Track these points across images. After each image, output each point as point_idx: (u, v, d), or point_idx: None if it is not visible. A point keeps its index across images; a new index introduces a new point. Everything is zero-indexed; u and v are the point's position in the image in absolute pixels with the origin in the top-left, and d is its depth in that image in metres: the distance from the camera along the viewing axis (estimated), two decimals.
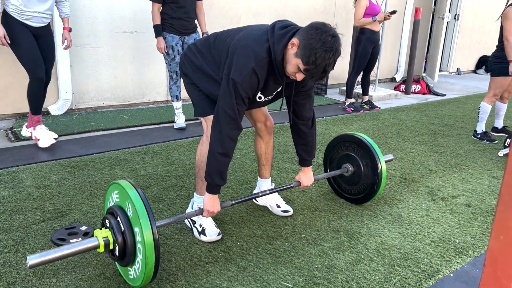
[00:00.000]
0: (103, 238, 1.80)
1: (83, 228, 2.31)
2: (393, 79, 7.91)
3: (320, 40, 1.79)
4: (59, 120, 4.32)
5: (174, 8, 3.96)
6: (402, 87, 6.94)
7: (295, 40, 1.85)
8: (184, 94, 4.58)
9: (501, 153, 3.69)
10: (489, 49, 9.89)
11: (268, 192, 2.36)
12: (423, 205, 2.80)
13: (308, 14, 6.31)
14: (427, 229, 2.49)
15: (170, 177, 3.08)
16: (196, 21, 4.20)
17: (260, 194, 2.34)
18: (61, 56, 4.35)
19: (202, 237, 2.26)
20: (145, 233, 1.71)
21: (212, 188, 2.05)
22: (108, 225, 1.85)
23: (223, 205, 2.15)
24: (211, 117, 2.20)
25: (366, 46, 5.15)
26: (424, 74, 7.79)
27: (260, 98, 2.12)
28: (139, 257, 1.77)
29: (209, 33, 4.29)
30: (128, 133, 4.10)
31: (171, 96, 4.28)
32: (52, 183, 2.86)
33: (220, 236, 2.28)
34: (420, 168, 3.48)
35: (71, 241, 2.17)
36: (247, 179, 3.10)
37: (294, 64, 1.87)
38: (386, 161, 2.72)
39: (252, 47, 1.92)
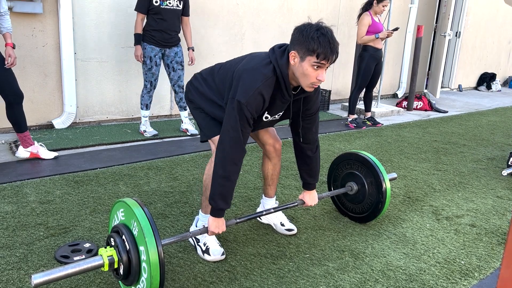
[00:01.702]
0: (108, 256, 1.80)
1: (87, 245, 2.29)
2: (395, 95, 7.94)
3: (309, 29, 1.87)
4: (63, 133, 4.34)
5: (157, 20, 4.11)
6: (404, 103, 6.96)
7: (292, 52, 1.91)
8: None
9: (505, 172, 3.68)
10: (490, 66, 9.96)
11: (272, 210, 2.36)
12: (428, 225, 2.79)
13: None
14: (432, 249, 2.48)
15: (173, 193, 3.08)
16: (181, 35, 4.36)
17: (264, 213, 2.34)
18: (67, 70, 4.38)
19: (206, 256, 2.25)
20: (151, 252, 1.70)
21: (215, 212, 2.04)
22: (113, 243, 1.84)
23: (227, 223, 2.14)
24: (217, 137, 2.22)
25: (369, 63, 5.18)
26: (426, 91, 7.84)
27: (266, 118, 2.13)
28: (144, 276, 1.76)
29: (194, 48, 4.58)
30: (132, 147, 4.11)
31: (141, 104, 4.42)
32: (56, 198, 2.86)
33: (224, 256, 2.26)
34: (423, 186, 3.47)
35: (75, 258, 2.16)
36: (251, 196, 3.09)
37: (308, 67, 1.87)
38: (390, 180, 2.72)
39: (257, 69, 1.96)
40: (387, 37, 5.15)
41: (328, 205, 3.01)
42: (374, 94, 5.71)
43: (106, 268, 1.79)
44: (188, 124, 4.69)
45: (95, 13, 4.50)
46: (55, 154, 3.64)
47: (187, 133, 4.64)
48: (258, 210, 2.74)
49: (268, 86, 1.95)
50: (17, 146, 3.83)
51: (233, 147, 1.96)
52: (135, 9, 4.11)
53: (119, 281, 1.93)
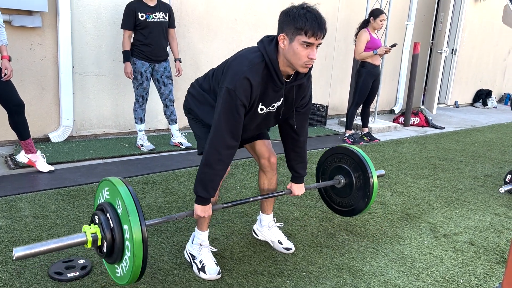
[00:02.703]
0: (91, 234, 1.80)
1: (81, 261, 2.26)
2: (392, 111, 7.98)
3: (295, 9, 1.90)
4: (59, 147, 4.31)
5: (145, 34, 4.15)
6: (401, 119, 6.98)
7: (281, 35, 1.93)
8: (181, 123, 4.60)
9: (502, 189, 3.68)
10: (486, 82, 10.05)
11: (260, 197, 2.38)
12: (426, 242, 2.77)
13: None
14: (430, 267, 2.46)
15: (169, 208, 3.05)
16: (169, 48, 4.43)
17: (251, 200, 2.34)
18: (64, 83, 4.38)
19: (202, 275, 2.21)
20: (134, 231, 1.71)
21: (198, 199, 2.07)
22: (97, 221, 1.84)
23: (214, 207, 2.15)
24: None
25: (367, 79, 5.21)
26: (422, 107, 7.88)
27: (262, 110, 2.10)
28: (127, 254, 1.76)
29: (181, 59, 4.55)
30: (128, 161, 4.09)
31: (135, 119, 4.44)
32: (51, 213, 2.83)
33: (220, 275, 2.23)
34: (421, 203, 3.46)
35: (69, 275, 2.13)
36: (248, 212, 3.07)
37: (298, 46, 1.89)
38: (378, 176, 2.75)
39: (244, 56, 2.00)
40: (385, 53, 5.19)
41: (325, 221, 2.99)
42: (371, 110, 5.74)
43: (89, 245, 1.80)
44: (181, 138, 4.68)
45: (94, 28, 4.52)
46: (50, 168, 3.62)
47: (181, 146, 4.62)
48: (255, 227, 2.71)
49: (255, 72, 1.94)
50: (12, 160, 3.81)
51: (219, 136, 1.96)
52: (122, 27, 4.15)
53: (103, 260, 1.94)
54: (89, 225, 1.85)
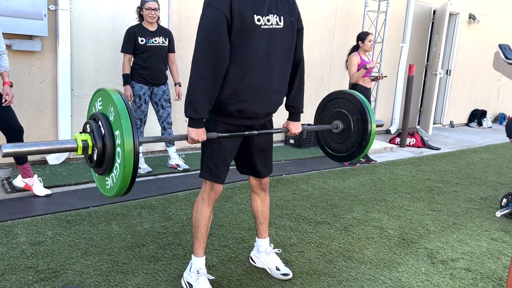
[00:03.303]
0: (82, 140, 1.80)
1: None
2: (388, 132, 8.03)
3: None
4: (56, 170, 4.31)
5: (145, 58, 4.20)
6: (397, 140, 7.03)
7: None
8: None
9: (498, 213, 3.69)
10: (481, 103, 10.15)
11: (256, 132, 2.25)
12: (423, 269, 2.77)
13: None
14: None
15: (166, 233, 3.05)
16: (168, 72, 4.48)
17: (246, 133, 2.22)
18: (63, 106, 4.41)
19: None
20: (126, 136, 1.71)
21: (189, 121, 2.04)
22: (88, 129, 1.84)
23: (208, 135, 2.10)
24: (208, 183, 2.27)
25: None
26: (418, 127, 7.94)
27: (259, 21, 2.01)
28: (117, 162, 1.76)
29: (181, 83, 4.56)
30: None
31: None
32: (47, 239, 2.82)
33: None
34: (418, 227, 3.46)
35: None
36: (245, 237, 3.06)
37: None
38: (377, 126, 2.67)
39: None
40: (379, 78, 5.27)
41: (323, 247, 2.99)
42: None
43: (79, 151, 1.79)
44: (178, 160, 4.69)
45: (93, 51, 4.57)
46: (47, 191, 3.61)
47: (178, 168, 4.63)
48: (252, 254, 2.71)
49: None
50: (9, 183, 3.80)
51: (199, 51, 1.98)
52: (122, 51, 4.21)
53: (92, 169, 1.95)
54: (80, 133, 1.87)
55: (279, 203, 3.75)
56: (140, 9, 4.20)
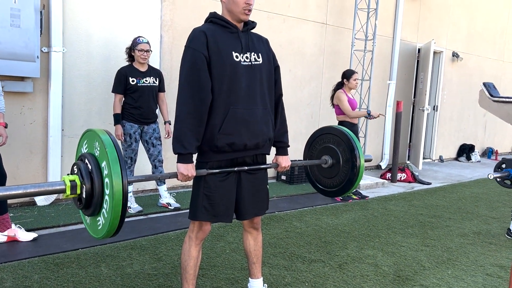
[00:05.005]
0: (70, 181, 1.80)
1: None
2: (378, 167, 8.08)
3: None
4: (44, 211, 4.24)
5: (135, 98, 4.26)
6: (388, 175, 7.06)
7: None
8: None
9: (491, 175, 3.13)
10: (468, 137, 10.31)
11: (246, 168, 2.27)
12: None
13: (296, 105, 6.58)
14: None
15: (157, 275, 2.97)
16: (158, 111, 4.53)
17: (236, 169, 2.24)
18: (53, 146, 4.39)
19: None
20: (114, 176, 1.73)
21: (178, 158, 2.11)
22: (75, 171, 1.85)
23: (198, 171, 2.14)
24: (197, 222, 2.28)
25: None
26: (408, 162, 8.01)
27: (237, 57, 2.18)
28: (107, 200, 1.78)
29: (171, 122, 4.58)
30: None
31: None
32: (34, 284, 2.73)
33: None
34: (412, 264, 3.43)
35: None
36: (238, 278, 3.00)
37: None
38: (365, 161, 2.70)
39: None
40: (377, 117, 5.37)
41: (317, 286, 2.93)
42: None
43: (68, 191, 1.79)
44: (169, 198, 4.64)
45: (84, 91, 4.61)
46: (34, 235, 3.51)
47: (169, 207, 4.57)
48: None
49: (206, 27, 2.17)
50: None
51: (184, 90, 2.10)
52: (113, 91, 4.26)
53: (81, 211, 1.96)
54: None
55: (272, 241, 3.69)
56: (131, 50, 4.28)
